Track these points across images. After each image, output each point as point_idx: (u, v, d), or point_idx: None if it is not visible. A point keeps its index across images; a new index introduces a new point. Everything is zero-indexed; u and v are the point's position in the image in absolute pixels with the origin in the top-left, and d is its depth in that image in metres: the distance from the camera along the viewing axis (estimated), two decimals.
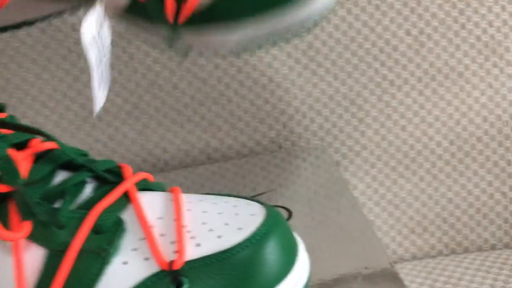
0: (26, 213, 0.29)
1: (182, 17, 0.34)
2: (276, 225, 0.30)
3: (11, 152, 0.30)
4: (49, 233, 0.29)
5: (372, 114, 0.59)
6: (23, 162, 0.30)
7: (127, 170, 0.33)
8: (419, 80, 0.59)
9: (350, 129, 0.60)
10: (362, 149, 0.60)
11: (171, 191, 0.33)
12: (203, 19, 0.30)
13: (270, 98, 0.59)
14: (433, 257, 0.61)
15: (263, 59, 0.58)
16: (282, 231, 0.30)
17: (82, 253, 0.29)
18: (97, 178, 0.33)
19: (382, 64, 0.59)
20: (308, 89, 0.59)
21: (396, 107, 0.60)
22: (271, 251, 0.29)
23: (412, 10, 0.58)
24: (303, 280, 0.30)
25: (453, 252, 0.62)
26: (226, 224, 0.30)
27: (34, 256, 0.29)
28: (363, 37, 0.58)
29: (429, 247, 0.62)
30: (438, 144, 0.60)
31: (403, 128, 0.60)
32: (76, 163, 0.32)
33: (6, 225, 0.29)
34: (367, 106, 0.59)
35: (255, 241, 0.29)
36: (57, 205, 0.30)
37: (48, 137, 0.33)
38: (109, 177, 0.33)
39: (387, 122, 0.60)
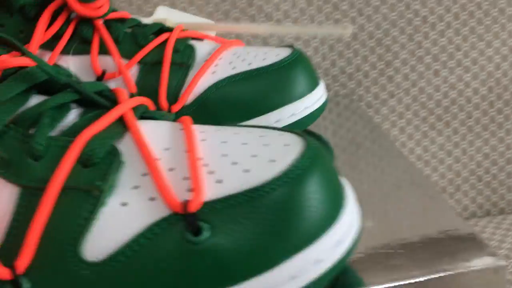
0: None
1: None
2: (318, 157, 0.23)
3: None
4: (21, 165, 0.22)
5: (401, 56, 0.52)
6: None
7: (122, 93, 0.26)
8: (456, 17, 0.52)
9: (376, 73, 0.53)
10: (389, 97, 0.53)
11: (180, 120, 0.26)
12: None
13: None
14: (467, 219, 0.55)
15: None
16: (326, 166, 0.23)
17: (66, 190, 0.22)
18: (84, 104, 0.26)
19: None
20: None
21: (429, 48, 0.52)
22: (314, 190, 0.22)
23: None
24: (353, 232, 0.23)
25: (488, 213, 0.55)
26: (254, 156, 0.23)
27: (2, 194, 0.22)
28: None
29: (461, 209, 0.55)
30: (475, 91, 0.53)
31: (436, 73, 0.53)
32: (57, 84, 0.25)
33: None
34: (395, 47, 0.52)
35: (294, 176, 0.22)
36: (31, 132, 0.23)
37: (22, 52, 0.26)
38: (100, 100, 0.26)
39: (418, 65, 0.53)
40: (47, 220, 0.21)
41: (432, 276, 0.24)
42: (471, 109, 0.54)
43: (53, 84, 0.26)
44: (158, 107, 0.37)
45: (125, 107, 0.25)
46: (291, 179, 0.22)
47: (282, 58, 0.39)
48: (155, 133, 0.25)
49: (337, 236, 0.23)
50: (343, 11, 0.52)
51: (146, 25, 0.41)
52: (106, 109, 0.25)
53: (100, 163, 0.22)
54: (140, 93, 0.37)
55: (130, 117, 0.25)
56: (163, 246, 0.21)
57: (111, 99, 0.26)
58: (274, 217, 0.21)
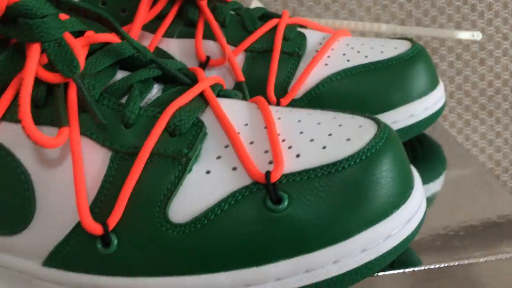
0: (83, 107, 0.24)
1: None
2: (391, 139, 0.24)
3: (68, 36, 0.25)
4: (114, 131, 0.24)
5: (447, 43, 0.53)
6: (80, 50, 0.24)
7: (200, 72, 0.28)
8: (505, 6, 0.52)
9: None
10: None
11: (253, 100, 0.28)
12: None
13: None
14: None
15: None
16: (398, 148, 0.24)
17: (155, 157, 0.23)
18: (163, 80, 0.27)
19: None
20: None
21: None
22: (388, 169, 0.23)
23: None
24: (421, 212, 0.25)
25: None
26: (330, 134, 0.24)
27: (95, 156, 0.23)
28: None
29: None
30: None
31: (482, 62, 0.53)
32: (140, 60, 0.27)
33: (63, 120, 0.23)
34: None
35: (370, 154, 0.23)
36: (123, 101, 0.25)
37: (111, 27, 0.27)
38: (181, 76, 0.27)
39: (464, 53, 0.53)
40: (136, 184, 0.23)
41: (493, 258, 0.25)
42: None
43: (135, 60, 0.27)
44: (267, 100, 0.34)
45: (205, 84, 0.26)
46: (367, 157, 0.23)
47: (402, 52, 0.35)
48: (233, 110, 0.26)
49: (407, 214, 0.24)
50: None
51: (249, 9, 0.38)
52: (187, 85, 0.27)
53: (186, 133, 0.24)
54: (247, 83, 0.35)
55: (210, 94, 0.26)
56: (244, 212, 0.22)
57: (190, 77, 0.27)
58: (350, 192, 0.23)
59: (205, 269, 0.22)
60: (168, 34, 0.36)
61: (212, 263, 0.22)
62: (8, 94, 0.24)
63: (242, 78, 0.34)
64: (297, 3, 0.52)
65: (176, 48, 0.35)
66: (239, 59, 0.35)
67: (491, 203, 0.30)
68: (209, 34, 0.35)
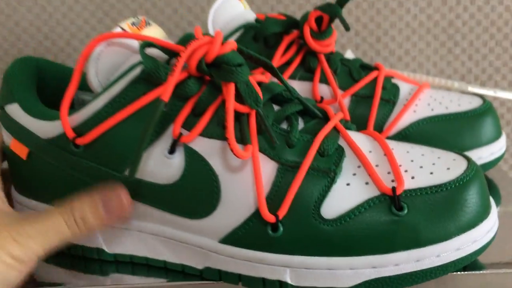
0: (260, 131, 0.33)
1: None
2: (478, 171, 0.33)
3: (251, 79, 0.34)
4: (280, 150, 0.33)
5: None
6: (259, 89, 0.34)
7: (328, 108, 0.37)
8: None
9: None
10: None
11: (368, 134, 0.37)
12: None
13: None
14: None
15: None
16: (483, 179, 0.33)
17: (310, 170, 0.32)
18: (302, 113, 0.36)
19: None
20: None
21: None
22: (476, 193, 0.32)
23: None
24: (492, 233, 0.33)
25: None
26: (433, 164, 0.33)
27: (267, 167, 0.32)
28: None
29: None
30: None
31: None
32: (283, 96, 0.36)
33: (244, 138, 0.33)
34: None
35: (465, 181, 0.32)
36: (283, 127, 0.34)
37: (273, 72, 0.36)
38: (317, 112, 0.36)
39: None
40: (298, 189, 0.32)
41: None
42: None
43: (279, 96, 0.36)
44: None
45: (337, 118, 0.35)
46: (463, 183, 0.32)
47: (476, 107, 0.44)
48: (357, 139, 0.35)
49: (487, 227, 0.32)
50: None
51: (351, 60, 0.47)
52: (321, 119, 0.36)
53: (332, 155, 0.33)
54: (351, 121, 0.42)
55: (340, 126, 0.35)
56: (375, 215, 0.31)
57: (321, 112, 0.37)
58: (450, 206, 0.31)
59: (344, 253, 0.31)
60: (292, 77, 0.45)
61: (350, 249, 0.31)
62: (206, 118, 0.33)
63: (348, 117, 0.42)
64: (374, 53, 0.61)
65: (297, 88, 0.44)
66: (346, 101, 0.44)
67: None
68: (324, 79, 0.44)
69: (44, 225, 0.32)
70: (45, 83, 0.41)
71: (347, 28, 0.44)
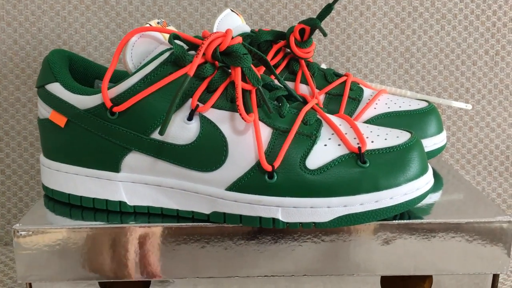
0: (259, 104, 0.43)
1: None
2: (419, 141, 0.44)
3: (252, 65, 0.44)
4: (274, 119, 0.43)
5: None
6: (258, 73, 0.44)
7: (306, 96, 0.47)
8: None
9: None
10: None
11: (339, 116, 0.47)
12: None
13: None
14: None
15: None
16: (422, 147, 0.44)
17: (297, 134, 0.42)
18: (286, 97, 0.47)
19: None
20: None
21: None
22: (417, 155, 0.43)
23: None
24: (430, 185, 0.44)
25: None
26: (386, 134, 0.44)
27: (264, 131, 0.42)
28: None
29: None
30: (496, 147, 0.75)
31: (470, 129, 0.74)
32: (271, 85, 0.46)
33: (247, 109, 0.43)
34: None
35: (409, 145, 0.43)
36: (276, 103, 0.44)
37: (267, 66, 0.46)
38: (298, 96, 0.47)
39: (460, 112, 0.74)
40: (288, 147, 0.42)
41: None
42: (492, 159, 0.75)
43: (268, 85, 0.46)
44: None
45: (313, 102, 0.46)
46: (408, 146, 0.42)
47: (422, 107, 0.55)
48: (330, 117, 0.45)
49: (426, 180, 0.43)
50: None
51: (324, 68, 0.58)
52: (301, 102, 0.46)
53: (313, 124, 0.43)
54: None
55: (317, 107, 0.46)
56: (345, 167, 0.41)
57: (301, 98, 0.47)
58: (399, 162, 0.42)
59: (323, 195, 0.41)
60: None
61: (327, 192, 0.41)
62: (217, 93, 0.43)
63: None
64: (344, 71, 0.73)
65: None
66: (321, 98, 0.55)
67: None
68: (304, 80, 0.55)
69: None
70: (74, 70, 0.50)
71: (324, 34, 0.55)
